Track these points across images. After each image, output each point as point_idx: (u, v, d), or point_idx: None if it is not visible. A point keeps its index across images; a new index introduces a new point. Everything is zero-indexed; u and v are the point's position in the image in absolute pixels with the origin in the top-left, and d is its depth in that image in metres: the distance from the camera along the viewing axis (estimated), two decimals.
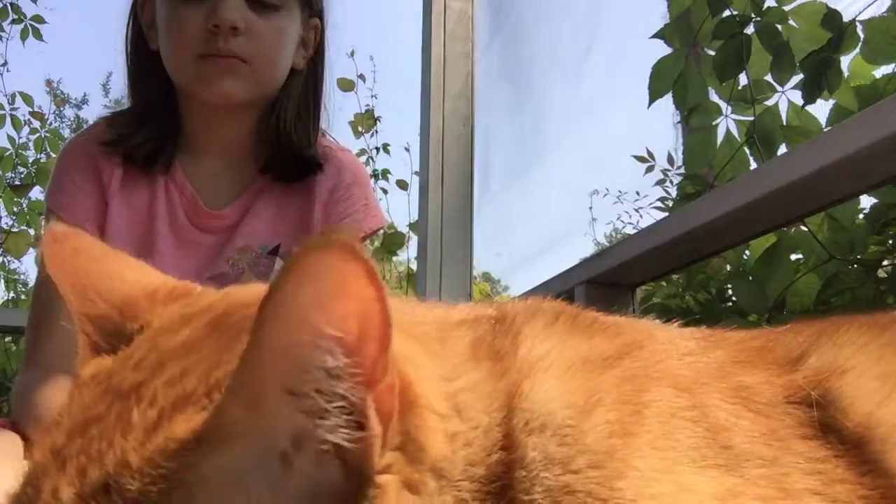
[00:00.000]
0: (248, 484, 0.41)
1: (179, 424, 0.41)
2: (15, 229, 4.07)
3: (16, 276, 5.13)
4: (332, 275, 0.37)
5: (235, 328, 0.46)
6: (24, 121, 4.22)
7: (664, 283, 2.30)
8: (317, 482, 0.42)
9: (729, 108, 1.98)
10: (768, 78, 1.90)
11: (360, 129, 3.90)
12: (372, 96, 4.00)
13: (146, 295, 0.56)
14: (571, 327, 0.56)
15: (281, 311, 0.37)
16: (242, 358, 0.39)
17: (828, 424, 0.51)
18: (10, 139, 4.11)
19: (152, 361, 0.47)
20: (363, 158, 3.78)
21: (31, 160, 4.42)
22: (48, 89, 5.54)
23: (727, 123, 1.97)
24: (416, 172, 3.32)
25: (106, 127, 1.38)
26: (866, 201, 1.77)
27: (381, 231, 2.37)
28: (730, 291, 2.13)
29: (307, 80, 1.41)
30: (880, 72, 1.77)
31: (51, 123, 4.75)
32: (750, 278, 1.80)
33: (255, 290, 0.53)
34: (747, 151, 1.92)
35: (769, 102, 1.91)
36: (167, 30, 1.30)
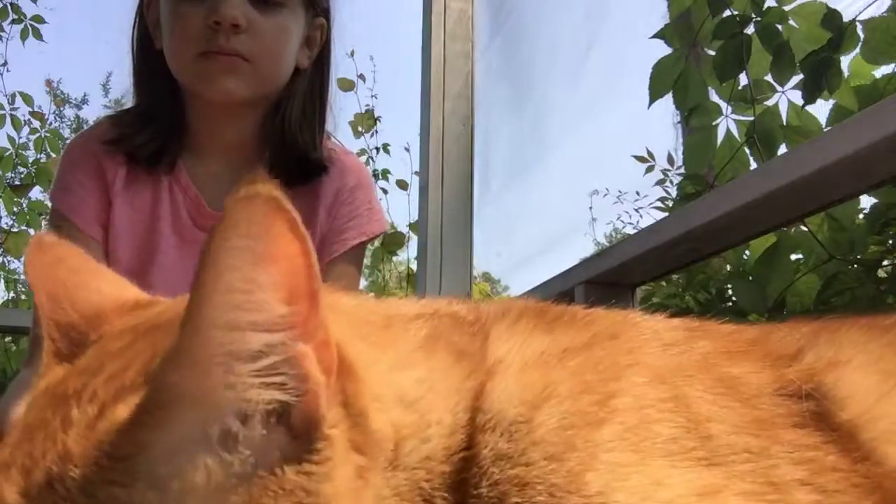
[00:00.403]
0: (194, 454, 0.41)
1: (120, 409, 0.42)
2: (15, 229, 4.07)
3: (16, 276, 5.13)
4: (257, 231, 0.38)
5: (174, 324, 0.45)
6: (24, 121, 4.22)
7: (664, 283, 2.30)
8: (265, 444, 0.42)
9: (729, 108, 1.98)
10: (768, 78, 1.91)
11: (360, 129, 3.90)
12: (372, 96, 4.00)
13: (115, 308, 0.57)
14: (535, 325, 0.55)
15: (211, 274, 0.38)
16: (180, 325, 0.39)
17: (819, 414, 0.50)
18: (10, 139, 4.12)
19: (94, 365, 0.48)
20: (363, 158, 3.78)
21: (31, 160, 4.42)
22: (48, 89, 5.55)
23: (727, 123, 1.98)
24: (416, 172, 3.32)
25: (109, 126, 1.38)
26: (866, 201, 1.77)
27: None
28: (730, 291, 2.14)
29: (312, 80, 1.40)
30: (880, 72, 1.77)
31: (51, 123, 4.75)
32: (750, 278, 1.81)
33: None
34: (747, 151, 1.92)
35: (769, 102, 1.91)
36: (169, 28, 1.30)
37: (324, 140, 1.43)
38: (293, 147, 1.36)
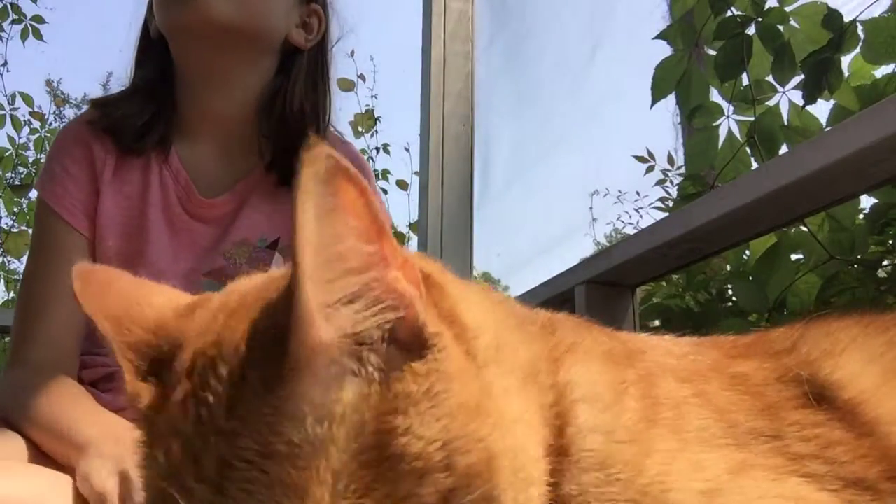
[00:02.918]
0: (339, 383, 0.47)
1: (252, 373, 0.47)
2: (15, 229, 4.08)
3: (16, 277, 5.12)
4: (324, 191, 0.44)
5: (257, 300, 0.52)
6: (24, 121, 4.23)
7: (664, 283, 2.30)
8: (390, 355, 0.48)
9: (731, 108, 1.98)
10: (769, 78, 1.90)
11: (360, 129, 3.90)
12: (372, 96, 4.01)
13: (175, 315, 0.59)
14: (592, 326, 0.65)
15: (301, 240, 0.44)
16: (286, 295, 0.46)
17: (819, 395, 0.58)
18: (10, 139, 4.12)
19: (200, 362, 0.51)
20: None
21: (31, 160, 4.42)
22: (48, 89, 5.56)
23: (728, 124, 1.98)
24: (416, 172, 3.32)
25: (94, 107, 1.36)
26: (866, 201, 1.77)
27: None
28: (730, 291, 2.13)
29: (311, 66, 1.39)
30: (880, 72, 1.77)
31: (51, 123, 4.76)
32: (750, 278, 1.80)
33: (254, 280, 0.59)
34: (748, 151, 1.92)
35: (770, 102, 1.91)
36: None
37: (328, 130, 1.41)
38: (297, 134, 1.33)
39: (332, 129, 1.45)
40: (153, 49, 1.35)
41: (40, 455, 1.09)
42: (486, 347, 0.53)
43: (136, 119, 1.32)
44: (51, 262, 1.27)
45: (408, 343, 0.48)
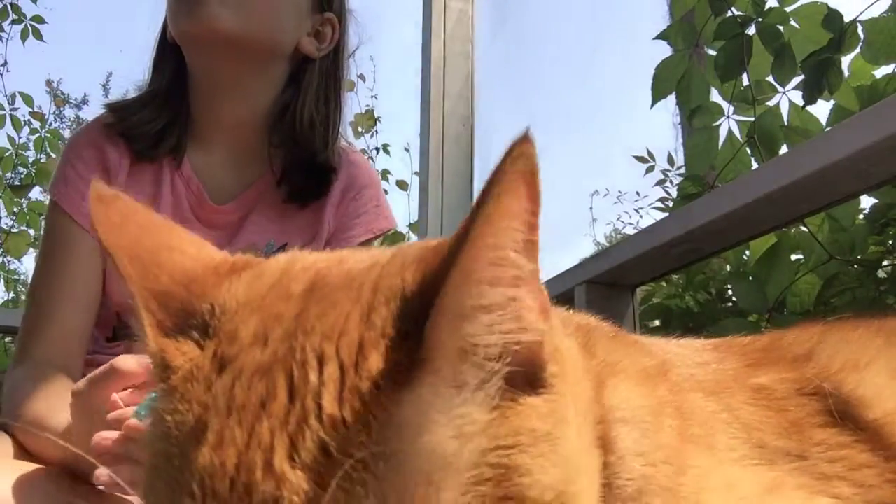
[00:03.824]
0: (452, 395, 0.42)
1: (373, 361, 0.42)
2: (15, 229, 4.07)
3: (16, 277, 5.13)
4: (516, 189, 0.40)
5: (350, 285, 0.47)
6: (24, 121, 4.22)
7: (664, 284, 2.30)
8: (508, 379, 0.44)
9: (731, 108, 1.98)
10: (769, 79, 1.90)
11: (360, 129, 3.90)
12: (372, 96, 4.01)
13: (210, 271, 0.52)
14: (623, 338, 0.63)
15: (476, 232, 0.40)
16: (432, 280, 0.42)
17: (843, 412, 0.56)
18: (10, 139, 4.12)
19: (280, 334, 0.45)
20: None
21: (31, 160, 4.42)
22: (48, 89, 5.54)
23: (728, 124, 1.98)
24: (416, 172, 3.32)
25: (110, 111, 1.37)
26: (866, 201, 1.77)
27: None
28: (730, 291, 2.13)
29: (323, 77, 1.39)
30: (880, 72, 1.77)
31: (51, 124, 4.76)
32: (750, 278, 1.80)
33: (312, 255, 0.54)
34: (748, 152, 1.92)
35: (770, 103, 1.91)
36: None
37: (338, 142, 1.41)
38: (307, 146, 1.34)
39: (342, 139, 1.45)
40: (170, 54, 1.36)
41: (24, 452, 1.09)
42: (578, 392, 0.50)
43: (151, 126, 1.33)
44: (61, 264, 1.27)
45: (523, 376, 0.44)
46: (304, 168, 1.36)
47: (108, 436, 0.83)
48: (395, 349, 0.42)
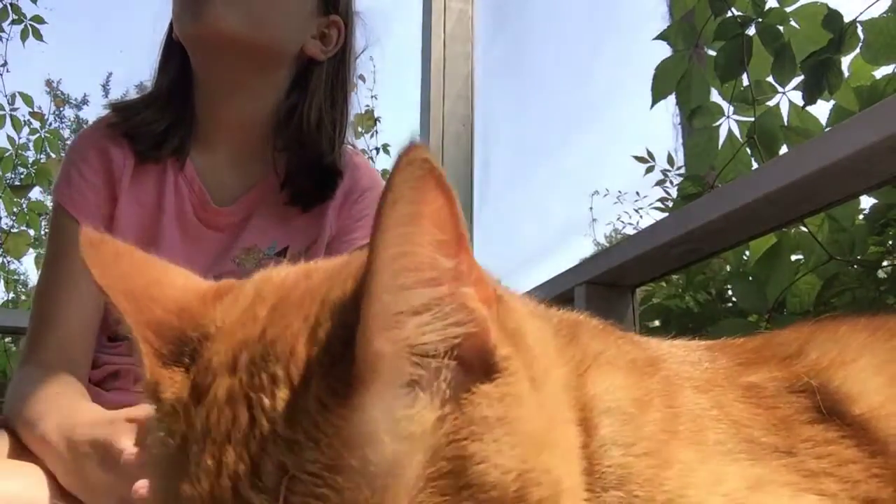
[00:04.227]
0: (402, 400, 0.44)
1: (318, 382, 0.44)
2: (15, 230, 4.07)
3: (16, 277, 5.13)
4: (411, 196, 0.41)
5: (310, 296, 0.49)
6: (24, 121, 4.22)
7: (664, 284, 2.30)
8: (457, 375, 0.45)
9: (731, 108, 1.98)
10: (769, 79, 1.91)
11: (360, 129, 3.90)
12: (372, 96, 4.01)
13: (198, 299, 0.55)
14: (612, 331, 0.64)
15: (379, 242, 0.42)
16: (354, 294, 0.44)
17: (830, 408, 0.57)
18: (10, 139, 4.11)
19: (245, 360, 0.48)
20: None
21: (31, 160, 4.42)
22: (48, 89, 5.55)
23: (728, 124, 1.98)
24: None
25: (114, 111, 1.37)
26: (866, 201, 1.77)
27: None
28: (730, 291, 2.14)
29: (329, 80, 1.38)
30: (880, 72, 1.77)
31: (50, 124, 4.76)
32: (750, 278, 1.80)
33: (286, 270, 0.56)
34: (748, 152, 1.92)
35: (770, 103, 1.91)
36: None
37: (343, 146, 1.41)
38: (312, 149, 1.34)
39: (347, 142, 1.45)
40: (176, 55, 1.36)
41: (22, 450, 1.10)
42: (543, 369, 0.51)
43: (155, 126, 1.33)
44: (66, 266, 1.27)
45: (475, 364, 0.46)
46: (309, 171, 1.35)
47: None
48: (337, 363, 0.44)
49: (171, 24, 1.38)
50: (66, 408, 1.08)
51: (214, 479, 0.44)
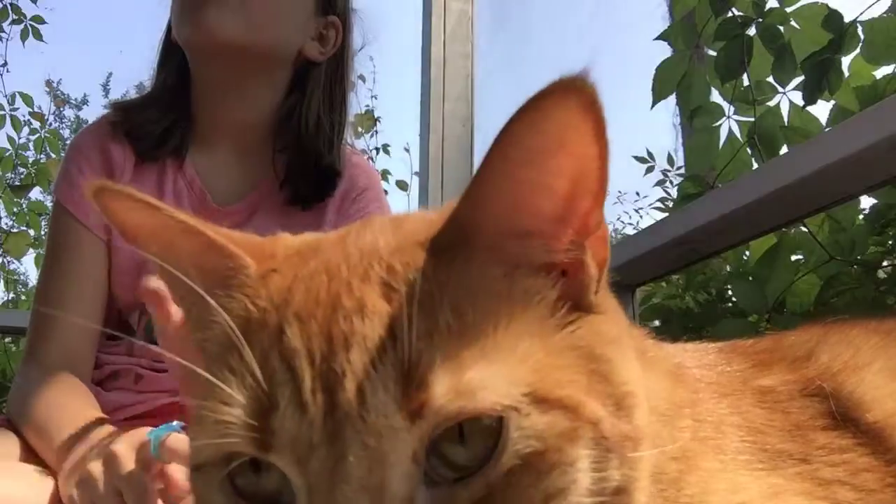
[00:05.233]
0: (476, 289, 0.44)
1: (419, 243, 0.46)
2: (15, 230, 4.07)
3: (16, 277, 5.13)
4: (563, 123, 0.41)
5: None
6: (24, 121, 4.22)
7: (664, 284, 2.30)
8: (533, 299, 0.45)
9: (731, 109, 1.97)
10: (770, 79, 1.90)
11: (360, 129, 3.90)
12: (372, 96, 4.01)
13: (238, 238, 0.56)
14: (653, 338, 0.63)
15: (506, 153, 0.42)
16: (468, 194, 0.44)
17: (844, 414, 0.56)
18: (10, 139, 4.12)
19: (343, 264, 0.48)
20: None
21: (31, 160, 4.42)
22: (48, 89, 5.55)
23: (729, 124, 1.97)
24: (416, 173, 3.32)
25: (115, 110, 1.37)
26: (866, 202, 1.77)
27: None
28: (730, 292, 2.13)
29: (328, 80, 1.39)
30: (880, 72, 1.77)
31: (50, 124, 4.76)
32: (750, 278, 1.80)
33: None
34: (748, 152, 1.92)
35: (770, 103, 1.91)
36: None
37: (342, 146, 1.41)
38: (311, 149, 1.34)
39: (346, 142, 1.45)
40: (174, 55, 1.36)
41: (31, 453, 1.10)
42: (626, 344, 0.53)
43: (155, 126, 1.33)
44: (67, 265, 1.28)
45: (580, 301, 0.47)
46: (307, 172, 1.36)
47: None
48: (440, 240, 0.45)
49: (168, 25, 1.38)
50: (66, 418, 1.08)
51: (326, 288, 0.45)
